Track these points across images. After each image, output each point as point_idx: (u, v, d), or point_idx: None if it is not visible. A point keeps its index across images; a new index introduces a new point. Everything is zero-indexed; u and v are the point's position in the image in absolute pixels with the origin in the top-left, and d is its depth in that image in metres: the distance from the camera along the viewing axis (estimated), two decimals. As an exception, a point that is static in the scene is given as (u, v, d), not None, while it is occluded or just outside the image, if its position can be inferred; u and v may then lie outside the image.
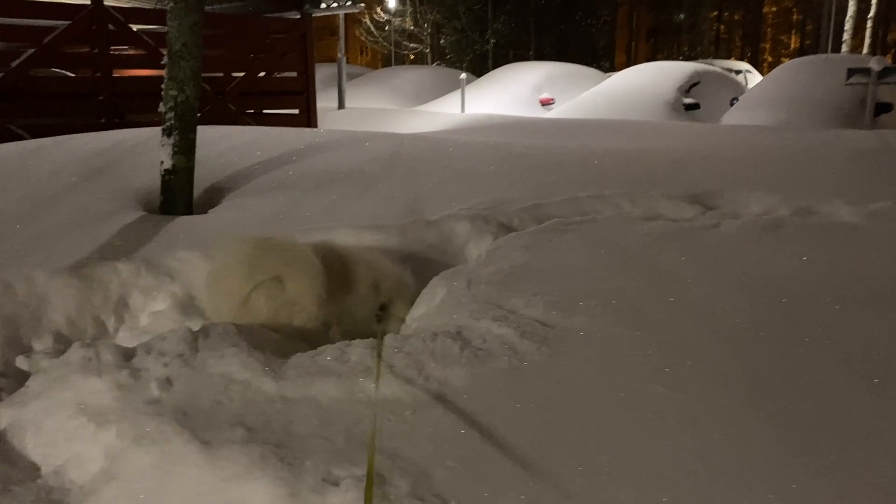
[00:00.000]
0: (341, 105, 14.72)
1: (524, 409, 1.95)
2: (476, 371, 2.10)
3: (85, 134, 5.26)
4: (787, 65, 12.18)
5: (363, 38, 30.96)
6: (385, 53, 32.45)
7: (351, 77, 17.05)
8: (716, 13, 33.60)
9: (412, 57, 31.57)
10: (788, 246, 3.22)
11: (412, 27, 29.48)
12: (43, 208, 3.71)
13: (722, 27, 35.18)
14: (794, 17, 35.09)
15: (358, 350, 2.26)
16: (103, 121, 7.55)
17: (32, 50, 7.26)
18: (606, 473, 1.70)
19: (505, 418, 1.91)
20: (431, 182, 4.48)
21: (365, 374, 2.15)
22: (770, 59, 34.29)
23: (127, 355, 2.22)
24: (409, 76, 18.47)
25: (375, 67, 27.71)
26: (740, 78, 16.16)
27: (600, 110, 11.89)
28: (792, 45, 35.91)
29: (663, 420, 1.90)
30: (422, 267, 3.31)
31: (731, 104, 11.90)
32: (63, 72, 8.17)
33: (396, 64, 29.02)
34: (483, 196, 4.18)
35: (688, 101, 12.07)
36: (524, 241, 3.28)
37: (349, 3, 10.40)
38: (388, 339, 2.34)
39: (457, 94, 14.80)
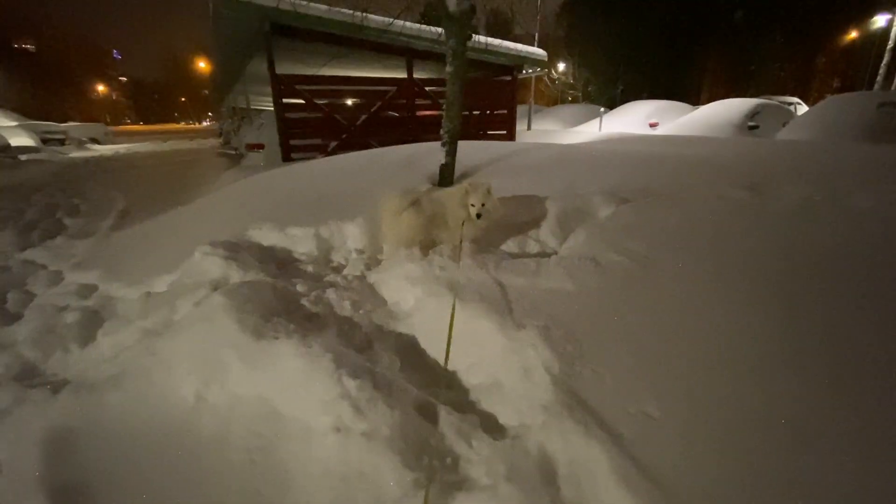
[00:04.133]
0: (529, 127, 22.92)
1: (630, 299, 3.06)
2: (602, 279, 3.28)
3: (402, 145, 8.44)
4: (830, 98, 13.61)
5: (543, 89, 45.56)
6: (555, 97, 48.03)
7: (535, 112, 26.44)
8: (778, 64, 41.57)
9: (570, 98, 45.76)
10: (819, 228, 3.77)
11: (571, 80, 44.37)
12: (384, 182, 5.68)
13: (782, 73, 41.34)
14: (839, 66, 40.25)
15: (532, 262, 3.55)
16: (410, 139, 11.92)
17: (380, 102, 12.31)
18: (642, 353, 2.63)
19: (618, 306, 3.02)
20: (580, 172, 5.91)
21: (539, 273, 3.34)
22: (817, 94, 38.86)
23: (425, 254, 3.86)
24: (568, 110, 25.69)
25: (549, 105, 38.87)
26: (791, 108, 18.70)
27: (691, 130, 15.87)
28: (835, 85, 41.20)
29: (716, 323, 2.73)
30: (569, 220, 4.49)
31: (783, 126, 14.47)
32: (393, 113, 12.58)
33: (561, 103, 41.98)
34: (611, 181, 5.42)
35: (751, 124, 15.27)
36: (635, 209, 4.33)
37: (538, 70, 15.17)
38: (554, 259, 3.64)
39: (596, 121, 20.99)
